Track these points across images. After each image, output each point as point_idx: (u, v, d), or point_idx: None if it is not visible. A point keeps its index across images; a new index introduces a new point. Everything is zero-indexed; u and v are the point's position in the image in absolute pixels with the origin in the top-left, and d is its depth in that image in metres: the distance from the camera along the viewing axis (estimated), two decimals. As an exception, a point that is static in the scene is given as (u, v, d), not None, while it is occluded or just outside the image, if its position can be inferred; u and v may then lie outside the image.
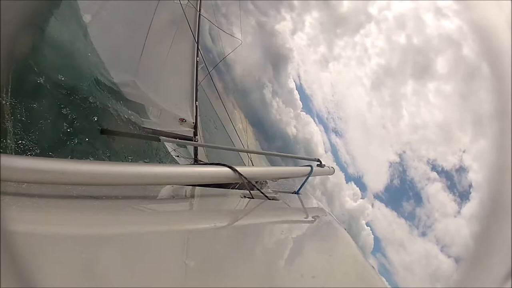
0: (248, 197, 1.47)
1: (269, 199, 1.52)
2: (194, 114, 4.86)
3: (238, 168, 1.44)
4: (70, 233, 0.73)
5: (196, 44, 4.84)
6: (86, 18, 4.16)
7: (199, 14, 4.87)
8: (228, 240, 0.92)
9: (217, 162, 1.48)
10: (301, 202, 1.82)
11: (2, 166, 0.78)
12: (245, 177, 1.45)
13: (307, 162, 2.44)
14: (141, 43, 4.36)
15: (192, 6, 4.78)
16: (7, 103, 2.90)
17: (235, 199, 1.46)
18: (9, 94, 2.92)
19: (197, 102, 4.90)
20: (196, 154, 4.84)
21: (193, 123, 4.83)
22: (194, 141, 4.90)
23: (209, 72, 5.29)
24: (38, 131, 3.35)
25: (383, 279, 0.81)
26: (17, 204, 0.81)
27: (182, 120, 4.73)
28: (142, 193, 1.28)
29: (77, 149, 3.85)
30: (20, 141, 3.14)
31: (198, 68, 4.90)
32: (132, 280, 0.55)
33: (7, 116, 2.90)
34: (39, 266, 0.50)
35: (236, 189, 1.67)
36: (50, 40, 4.00)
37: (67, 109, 3.95)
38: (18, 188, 0.89)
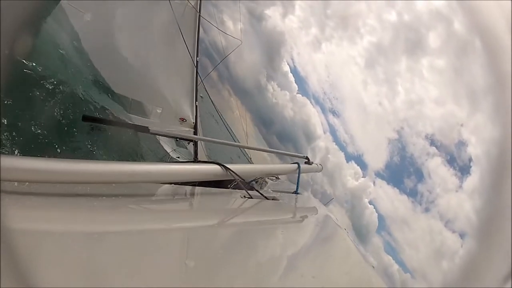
0: (248, 197, 1.47)
1: (269, 199, 1.52)
2: (194, 114, 4.86)
3: (228, 166, 1.46)
4: (69, 232, 0.73)
5: (196, 44, 4.84)
6: (87, 17, 4.15)
7: (199, 14, 4.86)
8: (227, 240, 0.92)
9: (208, 160, 1.50)
10: (301, 202, 1.82)
11: (2, 167, 0.78)
12: (236, 174, 1.47)
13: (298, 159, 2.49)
14: (141, 43, 4.36)
15: (192, 6, 4.78)
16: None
17: (235, 199, 1.46)
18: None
19: (197, 102, 4.90)
20: (196, 154, 4.84)
21: (193, 123, 4.83)
22: (194, 141, 4.89)
23: (209, 73, 5.29)
24: (30, 132, 3.35)
25: (381, 280, 0.81)
26: (16, 203, 0.81)
27: (183, 120, 4.73)
28: (141, 192, 1.28)
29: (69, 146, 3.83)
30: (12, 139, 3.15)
31: (198, 68, 4.89)
32: (132, 279, 0.55)
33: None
34: (39, 265, 0.50)
35: (236, 189, 1.67)
36: (45, 40, 4.01)
37: (53, 102, 3.97)
38: (17, 187, 0.89)
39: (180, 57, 4.79)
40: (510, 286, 0.60)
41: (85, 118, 3.65)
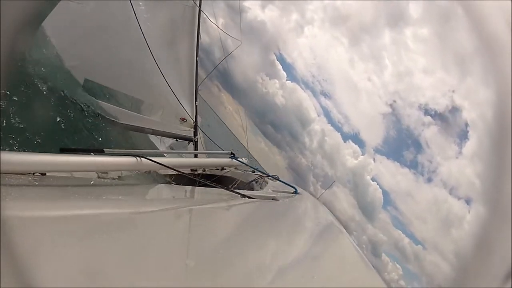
0: (248, 197, 1.47)
1: (268, 199, 1.52)
2: (194, 114, 4.86)
3: (153, 158, 1.57)
4: (68, 227, 0.73)
5: (196, 44, 4.84)
6: (85, 8, 4.14)
7: (199, 15, 4.86)
8: (227, 240, 0.92)
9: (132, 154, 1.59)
10: (301, 202, 1.82)
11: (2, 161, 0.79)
12: (163, 165, 1.57)
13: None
14: (141, 43, 4.35)
15: (193, 3, 4.77)
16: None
17: (235, 200, 1.46)
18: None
19: (197, 102, 4.90)
20: (196, 155, 4.84)
21: (193, 122, 4.83)
22: (194, 141, 4.90)
23: (209, 74, 5.29)
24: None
25: (381, 279, 0.81)
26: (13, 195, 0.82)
27: (183, 119, 4.73)
28: (142, 192, 1.29)
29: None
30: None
31: (197, 68, 4.89)
32: (131, 276, 0.55)
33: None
34: (38, 264, 0.50)
35: (236, 189, 1.67)
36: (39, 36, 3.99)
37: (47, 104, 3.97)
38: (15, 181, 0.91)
39: (179, 57, 4.79)
40: (510, 286, 0.60)
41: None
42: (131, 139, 5.00)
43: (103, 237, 0.72)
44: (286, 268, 0.80)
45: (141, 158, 1.55)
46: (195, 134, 4.87)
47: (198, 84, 4.96)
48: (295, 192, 1.97)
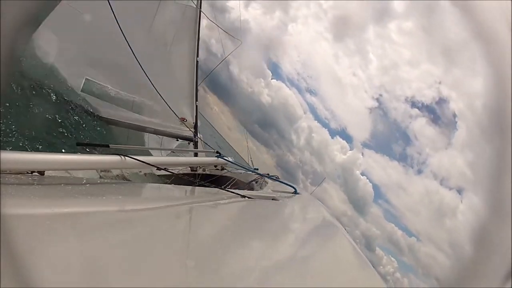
0: (248, 197, 1.47)
1: (267, 199, 1.52)
2: (194, 114, 4.86)
3: (141, 158, 1.58)
4: (67, 227, 0.73)
5: (196, 44, 4.84)
6: (86, 17, 4.15)
7: (199, 15, 4.86)
8: (227, 240, 0.92)
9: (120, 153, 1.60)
10: (301, 202, 1.82)
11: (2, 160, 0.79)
12: (149, 164, 1.63)
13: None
14: (142, 43, 4.35)
15: (194, 4, 4.77)
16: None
17: (235, 200, 1.46)
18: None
19: (197, 102, 4.90)
20: (196, 154, 4.84)
21: (193, 123, 4.83)
22: (195, 141, 4.90)
23: (208, 74, 5.30)
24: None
25: (381, 279, 0.81)
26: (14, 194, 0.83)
27: (183, 120, 4.73)
28: (141, 191, 1.29)
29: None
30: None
31: (198, 68, 4.90)
32: (130, 275, 0.55)
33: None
34: (38, 263, 0.50)
35: (236, 189, 1.67)
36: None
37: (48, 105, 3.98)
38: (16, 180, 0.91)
39: (179, 57, 4.80)
40: (510, 286, 0.60)
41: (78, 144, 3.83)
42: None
43: (103, 236, 0.72)
44: (286, 268, 0.80)
45: (125, 157, 1.56)
46: (195, 134, 4.87)
47: (198, 84, 4.97)
48: (295, 192, 1.97)
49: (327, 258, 0.93)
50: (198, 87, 4.97)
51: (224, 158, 2.86)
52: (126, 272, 0.56)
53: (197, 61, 4.87)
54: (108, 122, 4.55)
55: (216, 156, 2.87)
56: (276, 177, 3.03)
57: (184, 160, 3.22)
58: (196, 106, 4.88)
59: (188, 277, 0.62)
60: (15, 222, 0.60)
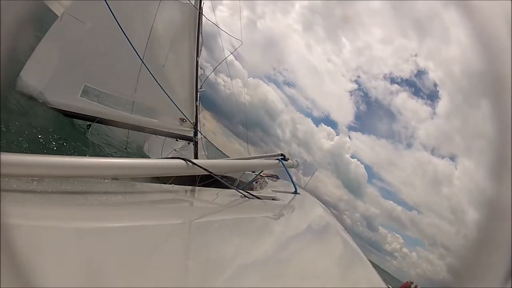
0: (248, 198, 1.47)
1: (267, 199, 1.52)
2: (194, 115, 4.87)
3: (195, 161, 1.46)
4: (68, 228, 0.73)
5: (196, 45, 4.85)
6: (86, 23, 4.15)
7: (199, 15, 4.86)
8: (227, 240, 0.92)
9: (176, 157, 1.51)
10: (300, 202, 1.82)
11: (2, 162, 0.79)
12: (205, 169, 1.48)
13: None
14: (142, 44, 4.35)
15: (193, 6, 4.78)
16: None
17: (235, 200, 1.46)
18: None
19: (197, 102, 4.90)
20: (196, 154, 4.84)
21: (193, 123, 4.83)
22: (195, 141, 4.90)
23: (208, 75, 5.31)
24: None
25: (381, 279, 0.81)
26: (14, 199, 0.82)
27: (182, 120, 4.73)
28: (141, 191, 1.29)
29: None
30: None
31: (198, 69, 4.90)
32: (130, 276, 0.55)
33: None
34: (38, 264, 0.50)
35: (235, 189, 1.67)
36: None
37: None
38: (15, 184, 0.90)
39: (179, 58, 4.80)
40: (510, 286, 0.60)
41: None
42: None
43: (103, 237, 0.72)
44: (285, 267, 0.80)
45: (193, 164, 1.41)
46: (195, 134, 4.87)
47: (199, 84, 4.97)
48: (295, 192, 1.97)
49: (326, 258, 0.93)
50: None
51: (286, 161, 2.52)
52: (128, 274, 0.56)
53: (197, 61, 4.88)
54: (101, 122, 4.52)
55: (278, 159, 2.50)
56: (276, 177, 3.03)
57: (247, 163, 2.63)
58: (196, 106, 4.89)
59: (188, 277, 0.62)
60: (14, 221, 0.60)
